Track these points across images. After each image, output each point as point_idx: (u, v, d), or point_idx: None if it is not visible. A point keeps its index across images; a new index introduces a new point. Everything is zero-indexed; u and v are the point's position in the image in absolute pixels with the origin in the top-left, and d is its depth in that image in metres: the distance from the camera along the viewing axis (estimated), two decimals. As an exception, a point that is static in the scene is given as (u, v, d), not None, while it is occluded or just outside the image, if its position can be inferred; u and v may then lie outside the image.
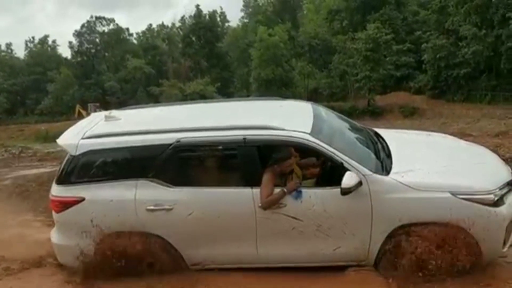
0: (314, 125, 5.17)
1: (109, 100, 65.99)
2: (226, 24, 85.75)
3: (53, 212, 5.31)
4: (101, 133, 5.23)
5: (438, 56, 48.10)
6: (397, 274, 4.68)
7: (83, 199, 5.05)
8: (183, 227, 4.96)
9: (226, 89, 65.12)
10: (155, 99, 55.06)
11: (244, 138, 4.90)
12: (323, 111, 6.04)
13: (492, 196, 4.70)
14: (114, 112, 5.82)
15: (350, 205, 4.75)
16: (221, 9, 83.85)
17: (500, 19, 44.05)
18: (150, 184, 4.99)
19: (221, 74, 67.73)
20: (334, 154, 4.85)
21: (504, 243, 4.79)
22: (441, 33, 50.22)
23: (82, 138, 5.18)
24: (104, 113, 5.91)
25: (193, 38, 72.72)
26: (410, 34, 55.92)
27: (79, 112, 54.84)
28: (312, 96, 53.68)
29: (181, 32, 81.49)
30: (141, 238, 4.99)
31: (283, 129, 4.97)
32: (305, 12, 73.91)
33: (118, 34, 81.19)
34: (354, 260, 4.99)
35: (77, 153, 5.10)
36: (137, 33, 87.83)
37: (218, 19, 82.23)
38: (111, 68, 77.61)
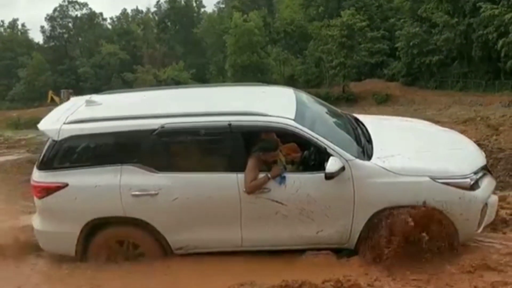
0: (297, 111, 5.23)
1: (83, 86, 64.97)
2: (202, 10, 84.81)
3: (35, 198, 5.24)
4: (83, 118, 5.17)
5: (411, 43, 48.60)
6: (376, 255, 4.80)
7: (66, 185, 5.01)
8: (168, 212, 4.99)
9: (202, 75, 64.70)
10: (129, 85, 54.47)
11: (229, 124, 4.93)
12: (305, 97, 6.08)
13: (468, 180, 4.88)
14: (95, 97, 5.73)
15: (333, 190, 4.84)
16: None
17: (472, 8, 44.62)
18: (135, 169, 4.99)
19: (196, 60, 67.28)
20: (318, 139, 4.94)
21: (479, 225, 5.00)
22: (414, 20, 50.64)
23: (64, 123, 5.12)
24: (84, 98, 5.83)
25: (168, 24, 72.14)
26: (385, 21, 56.40)
27: (52, 98, 53.80)
28: (288, 82, 53.59)
29: (156, 17, 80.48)
30: (127, 223, 5.06)
31: (268, 115, 5.03)
32: (281, -2, 73.66)
33: (92, 19, 79.80)
34: (336, 243, 5.10)
35: (60, 138, 5.04)
36: (111, 18, 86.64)
37: (194, 4, 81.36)
38: (85, 54, 76.22)
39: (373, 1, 57.37)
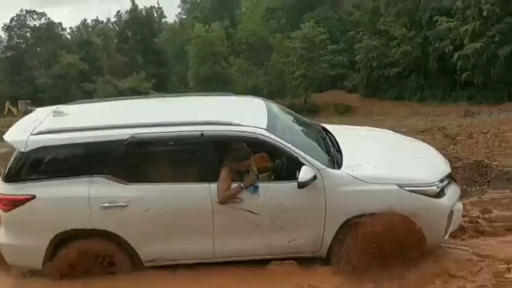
0: (269, 120, 5.21)
1: (41, 97, 63.34)
2: (164, 20, 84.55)
3: (0, 211, 5.04)
4: (51, 129, 5.01)
5: (370, 56, 49.84)
6: (346, 262, 4.81)
7: (34, 197, 4.84)
8: (138, 224, 4.87)
9: (163, 85, 64.23)
10: (89, 96, 53.51)
11: (202, 134, 4.88)
12: (275, 107, 6.06)
13: (434, 188, 4.95)
14: (62, 107, 5.59)
15: (305, 199, 4.84)
16: (158, 4, 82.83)
17: (428, 21, 46.15)
18: (104, 180, 4.86)
19: (157, 71, 66.81)
20: (290, 149, 4.93)
21: (446, 232, 5.07)
22: (373, 33, 51.94)
23: (32, 134, 4.95)
24: (50, 108, 5.69)
25: (129, 34, 71.33)
26: (345, 34, 57.42)
27: (9, 110, 52.48)
28: (251, 93, 52.88)
29: (116, 28, 79.60)
30: (96, 236, 4.92)
31: (240, 125, 4.99)
32: (243, 9, 74.10)
33: (50, 29, 78.13)
34: (308, 252, 5.09)
35: (27, 149, 4.87)
36: (70, 28, 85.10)
37: (155, 14, 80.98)
38: (43, 64, 74.50)
39: (333, 14, 58.54)
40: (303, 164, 4.82)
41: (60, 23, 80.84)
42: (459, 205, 5.40)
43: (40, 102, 52.43)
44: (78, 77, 67.25)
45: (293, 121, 6.05)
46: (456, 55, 41.62)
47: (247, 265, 5.03)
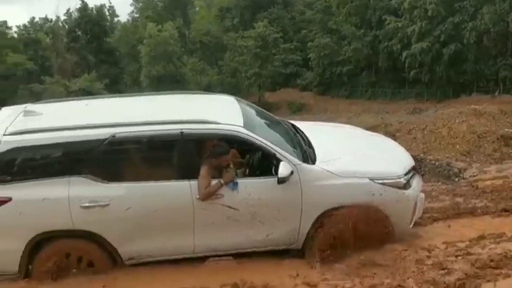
0: (244, 118, 5.38)
1: (-15, 98, 60.95)
2: (116, 19, 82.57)
3: None
4: (25, 129, 4.94)
5: (322, 54, 50.71)
6: (320, 252, 5.06)
7: (10, 199, 4.78)
8: (119, 222, 4.91)
9: (116, 85, 62.91)
10: (38, 97, 51.42)
11: (181, 132, 4.97)
12: (246, 105, 6.20)
13: (402, 180, 5.32)
14: (32, 106, 5.52)
15: (282, 193, 5.03)
16: (110, 2, 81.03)
17: (378, 20, 47.43)
18: (84, 180, 4.86)
19: (109, 70, 65.32)
20: (268, 145, 5.11)
21: (411, 221, 5.48)
22: (325, 32, 52.75)
23: (5, 135, 4.87)
24: (18, 107, 5.61)
25: (79, 33, 69.46)
26: (298, 33, 58.23)
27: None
28: (205, 92, 53.63)
29: (66, 26, 77.46)
30: (75, 236, 4.93)
31: (218, 123, 5.13)
32: (196, 9, 73.76)
33: (-6, 27, 75.14)
34: (285, 244, 5.29)
35: (1, 150, 4.80)
36: (17, 27, 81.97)
37: (107, 13, 79.28)
38: (-13, 64, 71.58)
39: (286, 14, 59.07)
40: (280, 160, 5.00)
41: (5, 21, 77.82)
42: (422, 195, 5.84)
43: (-16, 103, 50.19)
44: (26, 78, 64.89)
45: (264, 118, 6.21)
46: (404, 54, 42.86)
47: (183, 262, 5.13)
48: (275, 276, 4.84)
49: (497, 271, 4.47)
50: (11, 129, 4.95)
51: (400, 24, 43.90)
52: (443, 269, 4.60)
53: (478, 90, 40.58)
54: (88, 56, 66.88)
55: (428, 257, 4.94)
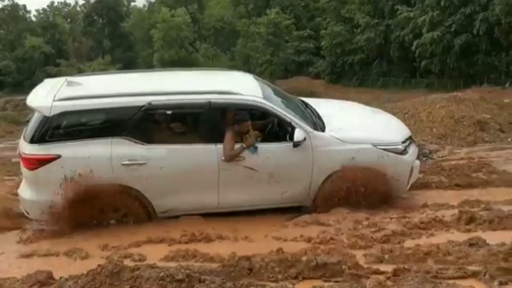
0: (263, 91, 6.08)
1: (4, 81, 62.05)
2: (132, 4, 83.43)
3: (25, 170, 5.57)
4: (73, 96, 5.56)
5: (334, 42, 50.47)
6: (328, 204, 5.79)
7: (59, 156, 5.37)
8: (154, 179, 5.54)
9: (129, 69, 63.50)
10: (53, 79, 52.39)
11: (209, 102, 5.65)
12: (262, 81, 6.88)
13: (400, 146, 6.09)
14: (73, 78, 6.12)
15: (296, 157, 5.76)
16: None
17: (390, 10, 47.00)
18: (124, 141, 5.50)
19: (124, 55, 66.18)
20: (284, 115, 5.86)
21: (408, 183, 6.24)
22: (338, 20, 52.53)
23: (54, 100, 5.46)
24: (60, 79, 6.21)
25: (95, 17, 70.17)
26: (311, 21, 57.96)
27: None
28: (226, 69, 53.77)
29: (84, 11, 78.22)
30: (117, 190, 5.49)
31: (241, 94, 5.84)
32: (211, -6, 73.78)
33: (14, 11, 76.21)
34: (296, 202, 6.03)
35: (51, 114, 5.41)
36: (36, 10, 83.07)
37: (124, -2, 79.87)
38: (7, 47, 72.50)
39: (299, 1, 58.79)
40: (294, 127, 5.73)
41: (24, 5, 78.84)
42: (417, 162, 6.55)
43: (2, 85, 51.28)
44: (42, 61, 65.96)
45: (278, 94, 6.81)
46: (415, 43, 42.62)
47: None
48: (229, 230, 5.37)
49: (423, 231, 4.90)
50: (59, 96, 5.54)
51: (412, 14, 43.54)
52: (376, 228, 5.06)
53: (489, 81, 40.24)
54: (103, 40, 67.67)
55: (367, 218, 5.38)
